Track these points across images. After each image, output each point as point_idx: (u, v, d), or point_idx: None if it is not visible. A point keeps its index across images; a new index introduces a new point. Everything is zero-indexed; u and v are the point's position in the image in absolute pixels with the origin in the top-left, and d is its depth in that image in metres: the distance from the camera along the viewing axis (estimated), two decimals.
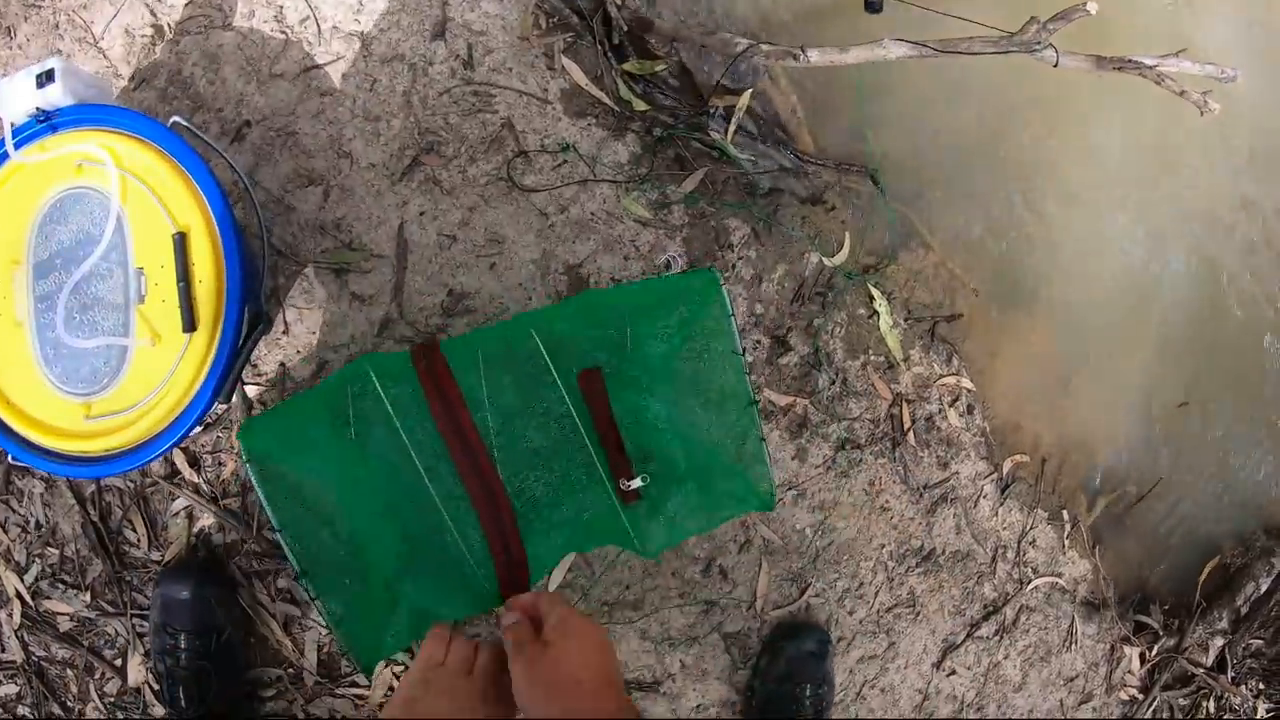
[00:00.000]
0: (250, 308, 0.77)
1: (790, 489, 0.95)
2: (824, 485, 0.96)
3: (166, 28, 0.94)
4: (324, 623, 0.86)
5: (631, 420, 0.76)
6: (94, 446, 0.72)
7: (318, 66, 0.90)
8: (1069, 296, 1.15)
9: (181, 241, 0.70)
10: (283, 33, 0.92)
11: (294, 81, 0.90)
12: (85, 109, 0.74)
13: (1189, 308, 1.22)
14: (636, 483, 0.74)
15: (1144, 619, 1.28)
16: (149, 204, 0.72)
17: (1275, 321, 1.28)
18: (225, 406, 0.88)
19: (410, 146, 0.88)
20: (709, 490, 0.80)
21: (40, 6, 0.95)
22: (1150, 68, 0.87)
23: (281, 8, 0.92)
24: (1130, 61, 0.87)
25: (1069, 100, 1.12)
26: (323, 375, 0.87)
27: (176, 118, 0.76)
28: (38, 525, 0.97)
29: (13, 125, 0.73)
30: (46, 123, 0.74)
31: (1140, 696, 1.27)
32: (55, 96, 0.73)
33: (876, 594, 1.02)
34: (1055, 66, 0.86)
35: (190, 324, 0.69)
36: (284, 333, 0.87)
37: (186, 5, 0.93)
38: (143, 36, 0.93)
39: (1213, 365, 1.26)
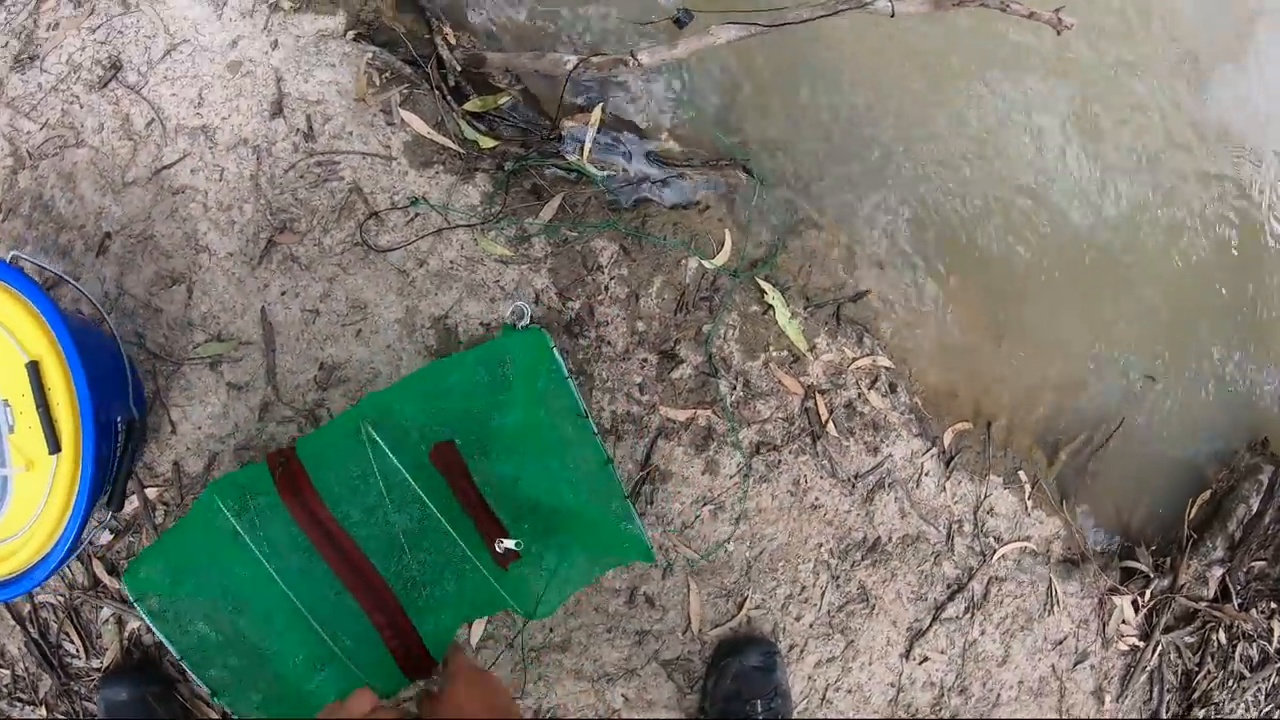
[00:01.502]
0: (123, 417, 0.78)
1: (706, 504, 0.92)
2: (741, 494, 0.93)
3: (25, 155, 0.95)
4: None
5: (496, 485, 0.75)
6: None
7: (167, 166, 0.91)
8: (983, 247, 1.10)
9: (35, 370, 0.72)
10: (131, 139, 0.92)
11: (146, 186, 0.91)
12: None
13: (1120, 231, 1.15)
14: (510, 544, 0.73)
15: (1132, 564, 1.22)
16: (2, 338, 0.74)
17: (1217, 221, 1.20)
18: (118, 514, 0.89)
19: (264, 229, 0.88)
20: (587, 542, 0.79)
21: None
22: None
23: (127, 115, 0.93)
24: None
25: (935, 46, 1.06)
26: (215, 467, 0.87)
27: (14, 252, 0.78)
28: None
29: None
30: None
31: (1141, 644, 1.21)
32: None
33: (823, 595, 0.98)
34: (893, 16, 0.82)
35: (54, 446, 0.72)
36: (172, 433, 0.88)
37: (41, 129, 0.95)
38: (4, 168, 0.94)
39: (1162, 285, 1.19)
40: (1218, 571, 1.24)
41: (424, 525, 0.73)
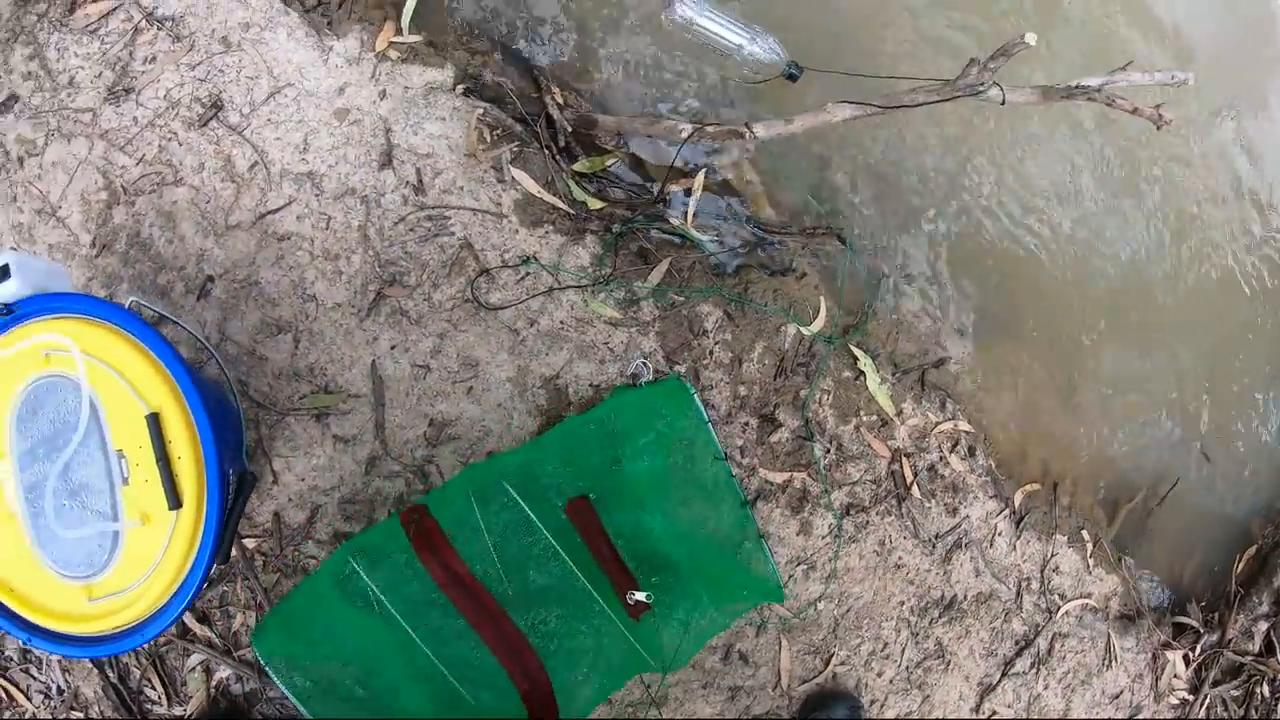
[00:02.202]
0: (234, 469, 0.77)
1: (800, 564, 0.93)
2: (833, 554, 0.95)
3: (121, 189, 0.94)
4: None
5: (629, 537, 0.76)
6: (101, 626, 0.73)
7: (272, 212, 0.90)
8: (1054, 315, 1.13)
9: (155, 422, 0.71)
10: (234, 181, 0.92)
11: (250, 230, 0.90)
12: (44, 299, 0.74)
13: (1173, 289, 1.19)
14: (641, 596, 0.74)
15: (1183, 620, 1.25)
16: (118, 387, 0.72)
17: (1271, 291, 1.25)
18: (221, 566, 0.88)
19: (373, 281, 0.88)
20: (718, 591, 0.80)
21: None
22: (1098, 90, 0.85)
23: (229, 157, 0.92)
24: (1079, 87, 0.85)
25: (1024, 121, 1.10)
26: (317, 520, 0.87)
27: (134, 298, 0.76)
28: (60, 690, 0.98)
29: None
30: (9, 316, 0.75)
31: (1190, 698, 1.24)
32: (13, 290, 0.74)
33: (903, 651, 1.00)
34: (1003, 104, 0.85)
35: (175, 502, 0.70)
36: (274, 483, 0.87)
37: (138, 164, 0.94)
38: (98, 201, 0.94)
39: (1212, 351, 1.23)
40: (1263, 626, 1.28)
41: (560, 580, 0.74)
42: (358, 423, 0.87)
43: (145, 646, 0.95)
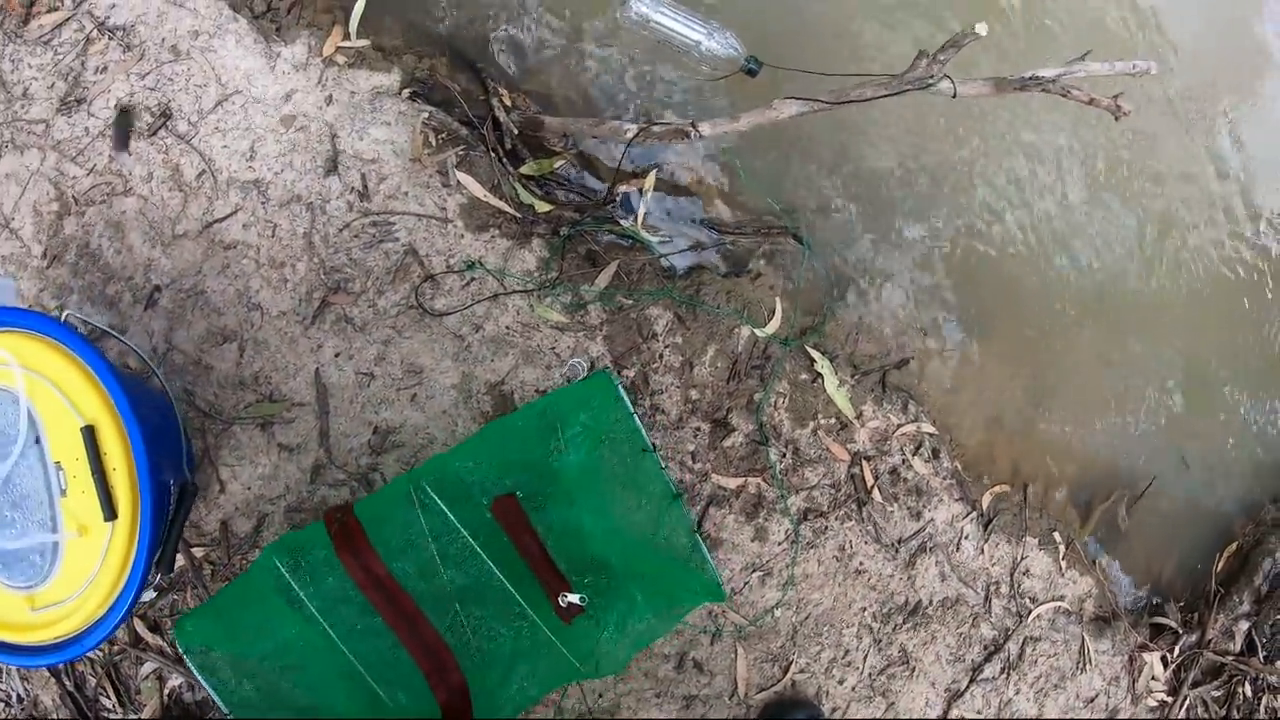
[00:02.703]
0: (175, 480, 0.77)
1: (755, 570, 0.92)
2: (790, 560, 0.93)
3: (72, 200, 0.94)
4: None
5: (560, 535, 0.74)
6: (44, 635, 0.73)
7: (219, 220, 0.90)
8: (1025, 312, 1.11)
9: (90, 434, 0.70)
10: (181, 190, 0.92)
11: (197, 240, 0.90)
12: None
13: (1148, 284, 1.17)
14: (574, 598, 0.73)
15: (1161, 620, 1.23)
16: (55, 400, 0.72)
17: (1253, 284, 1.22)
18: (167, 576, 0.88)
19: (318, 288, 0.88)
20: (655, 591, 0.79)
21: None
22: (1053, 81, 0.83)
23: (178, 166, 0.92)
24: (1032, 78, 0.82)
25: (988, 116, 1.07)
26: (264, 528, 0.87)
27: (69, 311, 0.76)
28: (20, 698, 0.98)
29: None
30: None
31: (1169, 699, 1.22)
32: None
33: (865, 658, 0.98)
34: (954, 97, 0.83)
35: (110, 513, 0.70)
36: (220, 492, 0.87)
37: (88, 175, 0.94)
38: (50, 213, 0.93)
39: (1188, 349, 1.20)
40: (1244, 625, 1.26)
41: (482, 581, 0.73)
42: (302, 431, 0.86)
43: (99, 654, 0.95)
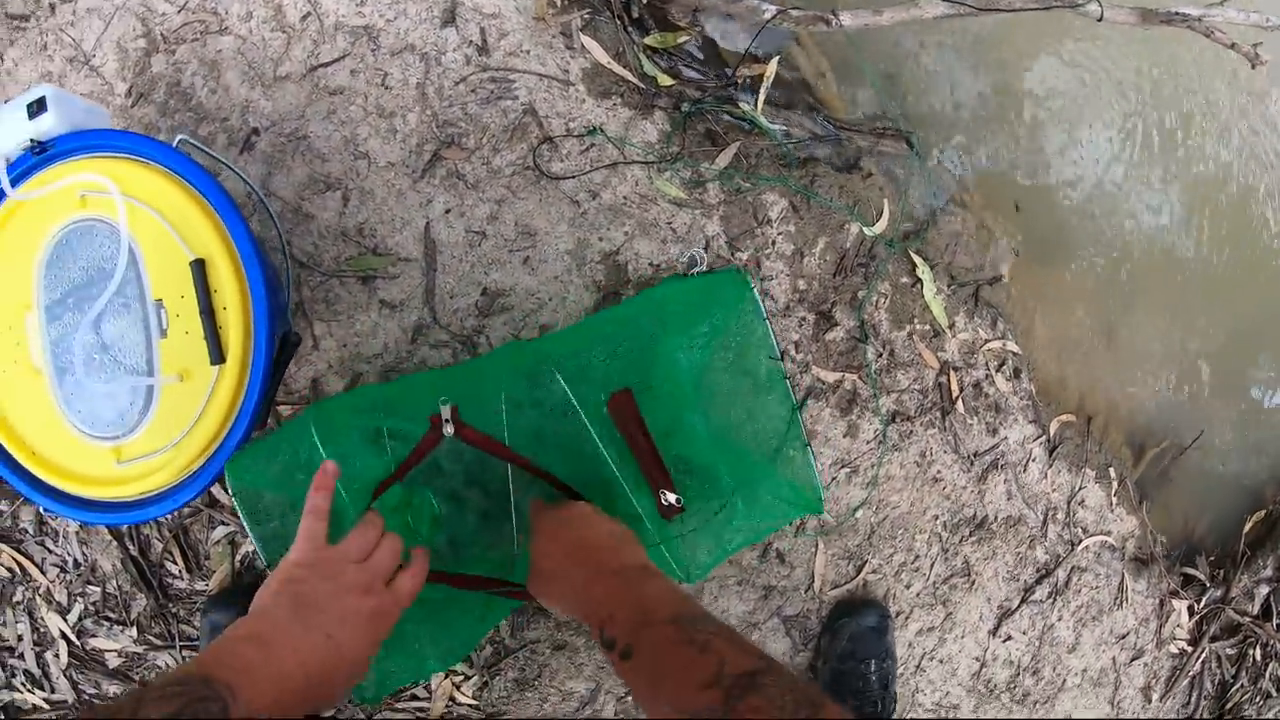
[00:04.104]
0: (279, 327, 0.73)
1: (843, 467, 0.93)
2: (876, 460, 0.94)
3: (160, 38, 0.89)
4: None
5: (668, 435, 0.73)
6: (128, 491, 0.68)
7: (324, 65, 0.86)
8: (1109, 249, 1.12)
9: (200, 269, 0.66)
10: (284, 32, 0.87)
11: (300, 83, 0.86)
12: (82, 135, 0.69)
13: (1229, 250, 1.19)
14: (673, 498, 0.72)
15: (1191, 571, 1.28)
16: (161, 231, 0.67)
17: None
18: (260, 431, 0.85)
19: (429, 141, 0.84)
20: (754, 501, 0.78)
21: (25, 27, 0.90)
22: (1197, 19, 0.83)
23: (280, 6, 0.87)
24: (1177, 15, 0.83)
25: (1104, 42, 1.08)
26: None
27: (182, 135, 0.71)
28: (76, 564, 0.94)
29: (7, 161, 0.68)
30: (43, 154, 0.69)
31: (1189, 649, 1.27)
32: (49, 126, 0.68)
33: (932, 566, 1.00)
34: (1100, 20, 0.83)
35: (218, 356, 0.65)
36: (314, 348, 0.84)
37: (179, 12, 0.88)
38: (136, 50, 0.88)
39: (1256, 309, 1.23)
40: (1264, 590, 1.31)
41: (593, 469, 0.71)
42: (406, 288, 0.83)
43: (169, 518, 0.92)
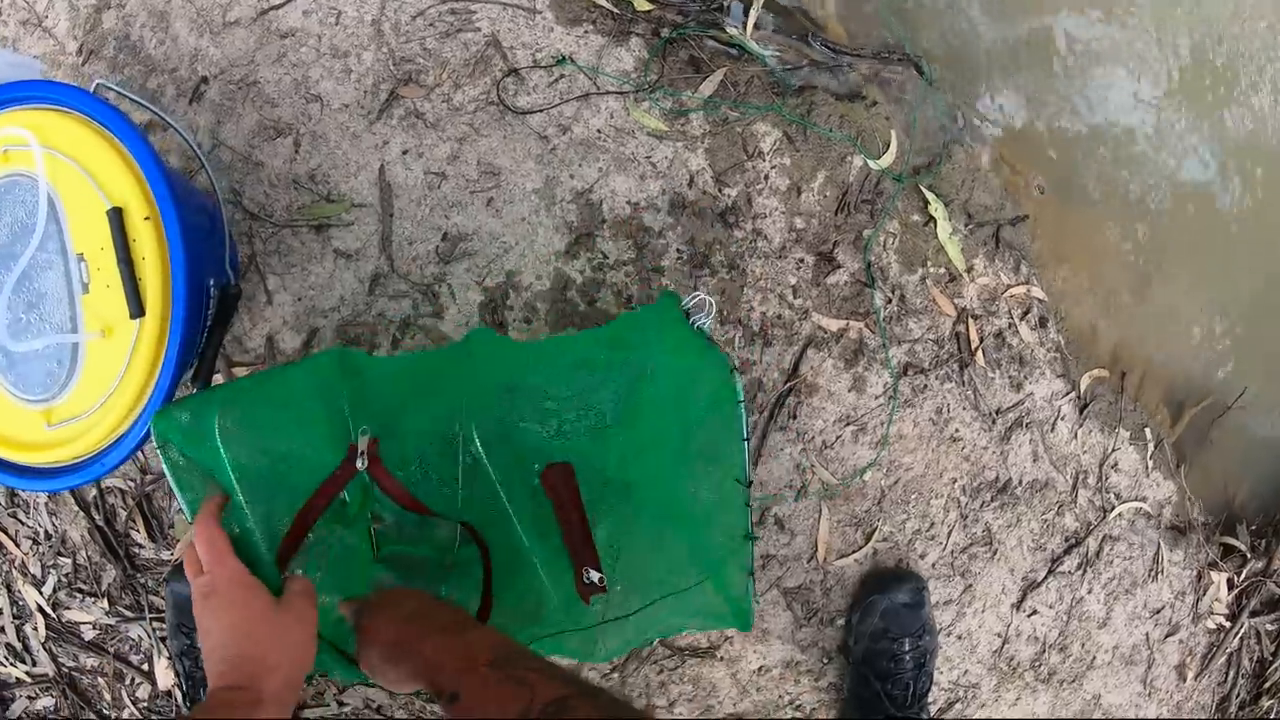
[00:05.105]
0: (216, 280, 0.68)
1: (849, 424, 0.85)
2: (886, 417, 0.86)
3: None
4: None
5: (605, 513, 0.67)
6: (62, 455, 0.65)
7: (275, 7, 0.79)
8: (1142, 189, 1.01)
9: (117, 218, 0.61)
10: None
11: (250, 27, 0.79)
12: (2, 88, 0.64)
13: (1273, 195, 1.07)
14: (596, 576, 0.66)
15: (1231, 541, 1.17)
16: (81, 181, 0.62)
17: None
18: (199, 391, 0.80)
19: (385, 80, 0.78)
20: (683, 607, 0.73)
21: None
22: None
23: None
24: None
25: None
26: (314, 343, 0.79)
27: (100, 80, 0.66)
28: (47, 535, 0.92)
29: None
30: None
31: (1227, 624, 1.17)
32: None
33: (949, 534, 0.92)
34: None
35: (137, 309, 0.61)
36: (267, 303, 0.79)
37: None
38: (87, 6, 0.83)
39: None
40: None
41: (508, 540, 0.65)
42: (362, 236, 0.77)
43: (132, 485, 0.88)
